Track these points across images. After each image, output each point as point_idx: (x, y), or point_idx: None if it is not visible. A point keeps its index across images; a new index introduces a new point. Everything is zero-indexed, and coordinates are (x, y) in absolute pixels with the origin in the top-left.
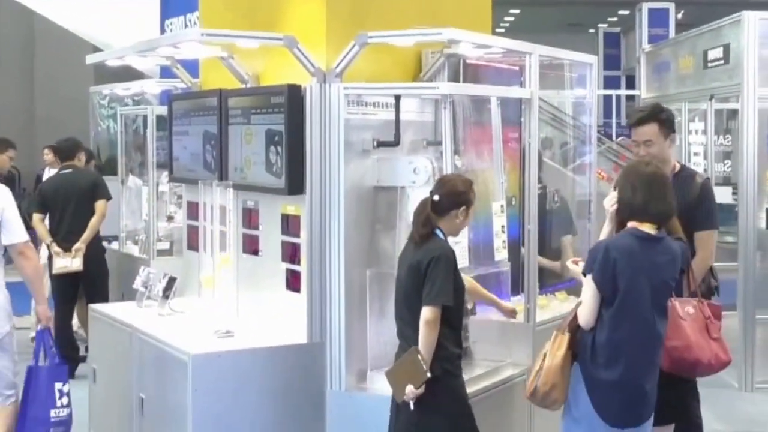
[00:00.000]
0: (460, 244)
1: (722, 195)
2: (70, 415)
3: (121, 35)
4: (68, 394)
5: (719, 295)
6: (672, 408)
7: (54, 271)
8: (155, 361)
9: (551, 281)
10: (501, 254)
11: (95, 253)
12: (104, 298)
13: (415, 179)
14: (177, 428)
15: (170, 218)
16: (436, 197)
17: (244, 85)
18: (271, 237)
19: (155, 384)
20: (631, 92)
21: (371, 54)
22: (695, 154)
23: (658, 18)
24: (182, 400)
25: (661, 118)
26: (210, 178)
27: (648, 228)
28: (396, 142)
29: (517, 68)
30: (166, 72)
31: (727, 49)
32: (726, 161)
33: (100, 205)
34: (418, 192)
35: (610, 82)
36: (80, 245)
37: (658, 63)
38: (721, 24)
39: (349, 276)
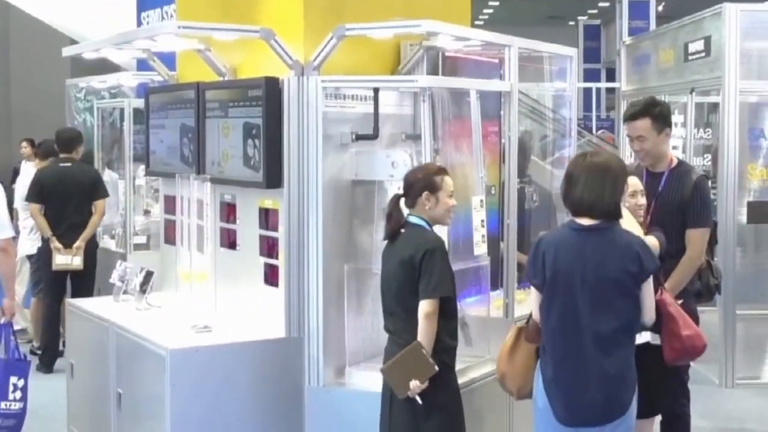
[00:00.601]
0: None
1: None
2: (22, 410)
3: (98, 28)
4: (23, 390)
5: (720, 294)
6: (657, 401)
7: (54, 268)
8: (133, 356)
9: None
10: (480, 249)
11: (90, 250)
12: (89, 294)
13: (394, 173)
14: (154, 423)
15: (147, 212)
16: (400, 191)
17: (221, 78)
18: (248, 231)
19: (133, 379)
20: (611, 85)
21: (349, 46)
22: (674, 147)
23: (638, 10)
24: (160, 395)
25: (654, 113)
26: (187, 171)
27: (586, 220)
28: (374, 136)
29: (496, 61)
30: (142, 65)
31: (708, 41)
32: (706, 155)
33: (100, 204)
34: (396, 186)
35: (590, 75)
36: (80, 243)
37: (639, 56)
38: (702, 16)
39: (327, 270)
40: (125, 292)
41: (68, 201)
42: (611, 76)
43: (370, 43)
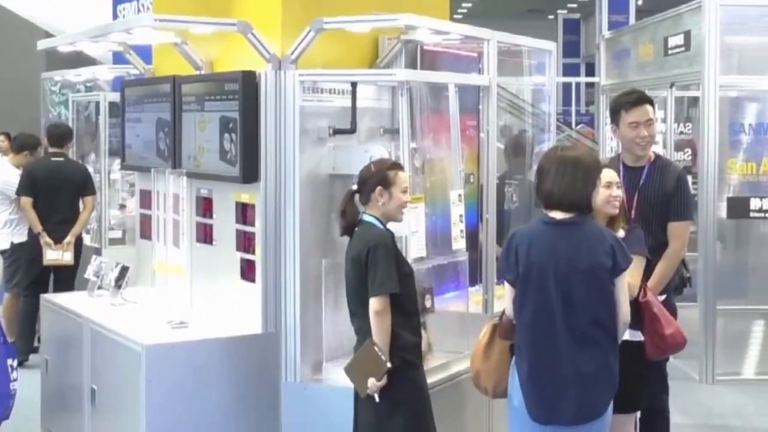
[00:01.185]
0: (417, 234)
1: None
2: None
3: (73, 20)
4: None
5: (691, 287)
6: (637, 397)
7: (45, 263)
8: (107, 351)
9: None
10: (459, 244)
11: (77, 246)
12: (71, 289)
13: None
14: (129, 419)
15: (122, 207)
16: (354, 187)
17: (198, 72)
18: (225, 226)
19: (107, 375)
20: (590, 79)
21: (327, 40)
22: (655, 142)
23: (618, 4)
24: (135, 391)
25: (651, 100)
26: (163, 165)
27: (559, 213)
28: (352, 130)
29: (475, 55)
30: (118, 58)
31: (687, 35)
32: (686, 150)
33: (89, 200)
34: None
35: (569, 70)
36: (71, 239)
37: (618, 50)
38: (681, 11)
39: (305, 266)
40: (100, 288)
41: (58, 196)
42: (590, 70)
43: (348, 37)
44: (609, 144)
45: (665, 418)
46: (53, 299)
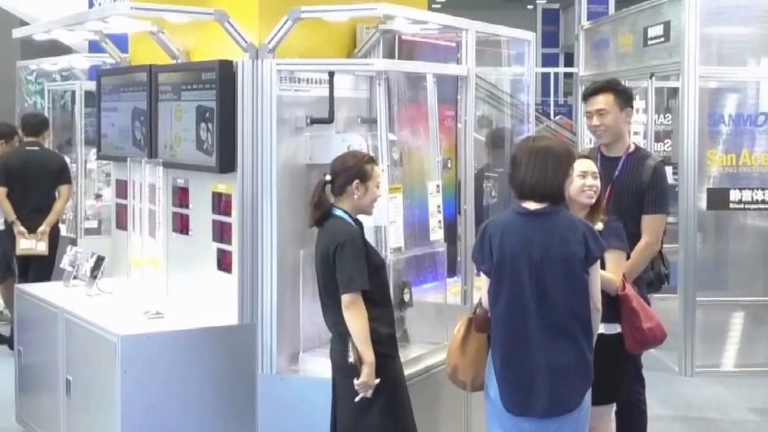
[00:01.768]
0: (395, 225)
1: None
2: None
3: (49, 9)
4: None
5: (669, 283)
6: (615, 388)
7: (18, 253)
8: (83, 342)
9: None
10: (437, 234)
11: (53, 236)
12: (47, 279)
13: None
14: (105, 411)
15: (98, 196)
16: (328, 177)
17: (174, 61)
18: (201, 216)
19: (83, 366)
20: (569, 70)
21: (304, 29)
22: (635, 133)
23: None
24: (110, 382)
25: (618, 88)
26: (139, 155)
27: (531, 204)
28: (330, 119)
29: (453, 45)
30: (94, 47)
31: (667, 26)
32: (666, 141)
33: (65, 189)
34: None
35: (548, 60)
36: (45, 228)
37: (598, 40)
38: (661, 1)
39: (282, 256)
40: (75, 278)
41: (33, 185)
42: (569, 61)
43: (326, 26)
44: (588, 135)
45: (642, 410)
46: (28, 289)
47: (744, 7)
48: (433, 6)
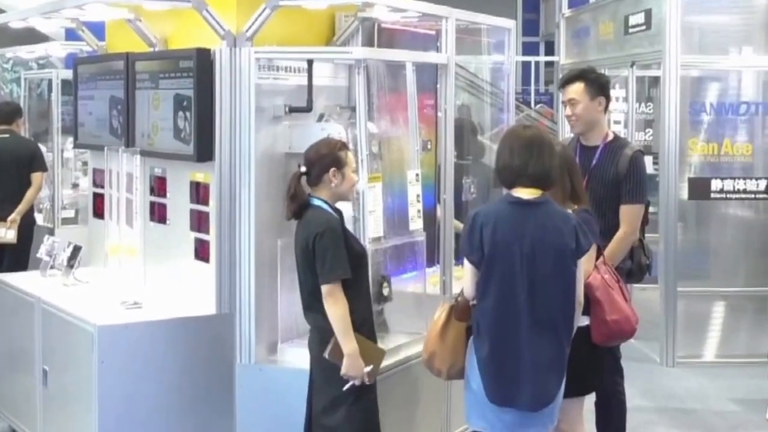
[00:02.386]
0: (374, 214)
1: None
2: None
3: None
4: None
5: (651, 274)
6: (582, 380)
7: None
8: (59, 332)
9: None
10: (416, 224)
11: (26, 225)
12: (23, 269)
13: None
14: (82, 401)
15: (75, 186)
16: (303, 168)
17: (151, 49)
18: (179, 205)
19: (59, 356)
20: (549, 58)
21: (283, 17)
22: (616, 122)
23: None
24: (87, 372)
25: (589, 78)
26: (116, 144)
27: (525, 193)
28: (308, 108)
29: (433, 33)
30: (71, 35)
31: (648, 14)
32: (647, 130)
33: (37, 177)
34: None
35: (528, 48)
36: (15, 216)
37: (578, 28)
38: None
39: (260, 246)
40: (52, 267)
41: (4, 172)
42: (550, 49)
43: (304, 14)
44: (568, 124)
45: (620, 401)
46: (4, 279)
47: None
48: None
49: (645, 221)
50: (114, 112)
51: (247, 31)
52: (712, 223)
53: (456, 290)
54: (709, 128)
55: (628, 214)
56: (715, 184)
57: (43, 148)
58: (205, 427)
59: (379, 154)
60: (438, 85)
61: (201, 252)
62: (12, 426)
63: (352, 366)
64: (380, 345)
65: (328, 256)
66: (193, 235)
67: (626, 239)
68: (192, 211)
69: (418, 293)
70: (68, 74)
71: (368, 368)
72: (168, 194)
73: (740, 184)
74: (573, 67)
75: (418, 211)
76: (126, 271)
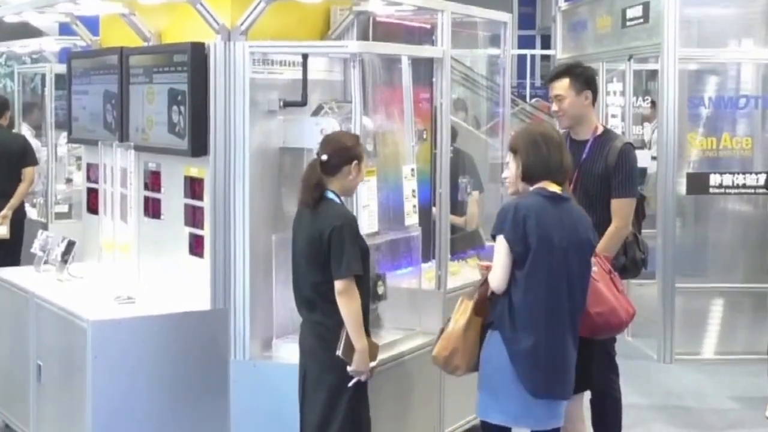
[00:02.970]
0: (368, 208)
1: (641, 159)
2: None
3: None
4: None
5: (647, 269)
6: (586, 377)
7: None
8: (53, 327)
9: (463, 247)
10: (411, 219)
11: (17, 219)
12: (16, 264)
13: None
14: (75, 396)
15: (69, 180)
16: (324, 157)
17: (146, 43)
18: (173, 200)
19: (53, 351)
20: (546, 52)
21: (278, 11)
22: (613, 116)
23: None
24: (81, 367)
25: (575, 72)
26: (110, 139)
27: (554, 188)
28: (303, 103)
29: (428, 26)
30: (65, 29)
31: (646, 7)
32: (644, 124)
33: (28, 171)
34: None
35: (524, 42)
36: (7, 212)
37: (575, 22)
38: None
39: (254, 241)
40: (46, 262)
41: None
42: (546, 43)
43: (299, 8)
44: None
45: (616, 398)
46: None
47: None
48: None
49: (642, 215)
50: (108, 107)
51: (241, 25)
52: (711, 218)
53: (451, 286)
54: (708, 122)
55: (619, 208)
56: (714, 179)
57: (37, 142)
58: (200, 423)
59: (374, 150)
60: (434, 79)
61: (195, 247)
62: (6, 421)
63: (362, 362)
64: (374, 340)
65: (345, 251)
66: (188, 230)
67: (618, 234)
68: (186, 206)
69: (413, 289)
70: (62, 69)
71: (373, 363)
72: (162, 189)
73: (739, 179)
74: (570, 60)
75: (414, 206)
76: (120, 267)
